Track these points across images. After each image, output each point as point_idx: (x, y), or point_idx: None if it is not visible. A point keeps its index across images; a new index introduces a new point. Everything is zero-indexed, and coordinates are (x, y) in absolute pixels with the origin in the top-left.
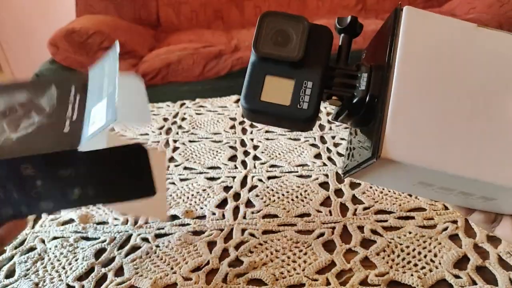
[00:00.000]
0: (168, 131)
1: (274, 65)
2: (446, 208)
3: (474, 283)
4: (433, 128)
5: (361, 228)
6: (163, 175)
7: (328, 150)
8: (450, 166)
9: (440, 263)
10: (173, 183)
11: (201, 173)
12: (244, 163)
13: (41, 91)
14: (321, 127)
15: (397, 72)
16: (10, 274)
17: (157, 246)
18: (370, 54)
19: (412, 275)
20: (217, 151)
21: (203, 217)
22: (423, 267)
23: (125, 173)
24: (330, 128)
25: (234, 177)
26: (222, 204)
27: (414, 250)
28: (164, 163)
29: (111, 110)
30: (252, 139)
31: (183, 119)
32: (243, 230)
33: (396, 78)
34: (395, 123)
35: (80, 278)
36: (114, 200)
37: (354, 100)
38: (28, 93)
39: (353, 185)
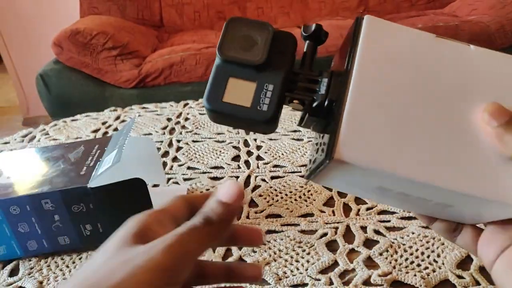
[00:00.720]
0: (172, 131)
1: (238, 68)
2: None
3: (478, 283)
4: (387, 132)
5: (364, 228)
6: (158, 163)
7: None
8: (400, 168)
9: (443, 263)
10: (177, 183)
11: (204, 172)
12: (247, 163)
13: (72, 149)
14: None
15: (354, 77)
16: (14, 272)
17: None
18: (335, 62)
19: (415, 275)
20: (220, 151)
21: None
22: (426, 267)
23: (129, 205)
24: None
25: (237, 177)
26: None
27: (417, 250)
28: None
29: (117, 155)
30: (255, 139)
31: (186, 119)
32: None
33: (353, 83)
34: (350, 126)
35: None
36: None
37: (314, 104)
38: (61, 150)
39: None
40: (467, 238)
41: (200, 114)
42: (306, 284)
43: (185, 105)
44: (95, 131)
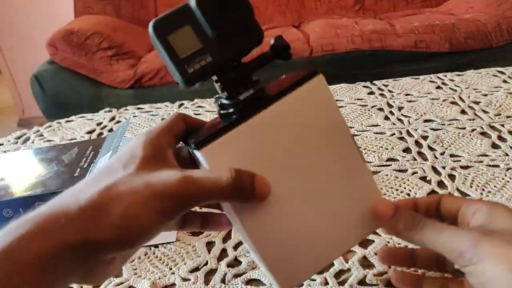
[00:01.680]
0: None
1: (199, 20)
2: None
3: None
4: (246, 162)
5: None
6: None
7: None
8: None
9: None
10: None
11: None
12: None
13: (66, 150)
14: None
15: (261, 116)
16: None
17: (156, 246)
18: (271, 86)
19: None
20: None
21: None
22: None
23: None
24: None
25: None
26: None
27: None
28: None
29: (112, 156)
30: None
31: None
32: None
33: (255, 119)
34: (226, 143)
35: None
36: None
37: (227, 102)
38: (55, 151)
39: None
40: None
41: (195, 114)
42: (302, 285)
43: (181, 105)
44: (90, 132)
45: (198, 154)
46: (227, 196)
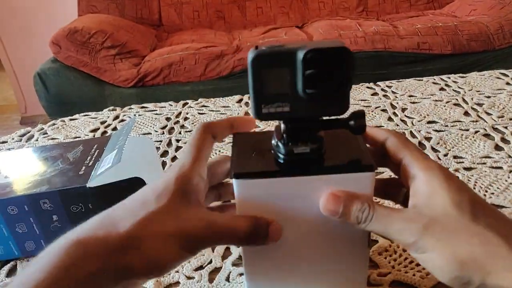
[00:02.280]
0: (171, 130)
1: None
2: None
3: None
4: (269, 208)
5: None
6: (158, 162)
7: None
8: None
9: None
10: None
11: None
12: None
13: (71, 148)
14: None
15: (302, 179)
16: (11, 273)
17: None
18: (330, 146)
19: (414, 275)
20: (219, 151)
21: None
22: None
23: None
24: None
25: None
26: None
27: None
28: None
29: (117, 156)
30: None
31: (185, 118)
32: None
33: (298, 180)
34: (262, 186)
35: None
36: None
37: (282, 147)
38: (60, 149)
39: None
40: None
41: (199, 113)
42: None
43: (184, 104)
44: (94, 130)
45: (235, 182)
46: (243, 243)
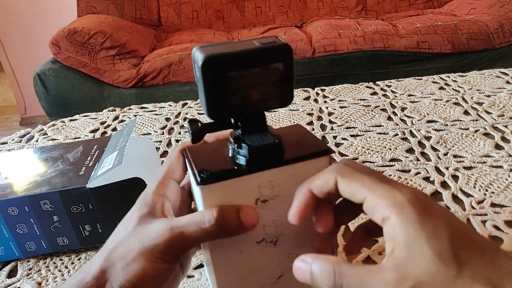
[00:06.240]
0: (171, 130)
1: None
2: (447, 208)
3: None
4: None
5: None
6: (157, 162)
7: None
8: None
9: None
10: None
11: None
12: None
13: (71, 149)
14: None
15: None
16: (12, 273)
17: None
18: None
19: None
20: None
21: None
22: None
23: (128, 205)
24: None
25: None
26: None
27: None
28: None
29: (118, 158)
30: None
31: (185, 119)
32: None
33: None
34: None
35: None
36: None
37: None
38: (60, 150)
39: None
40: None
41: (199, 114)
42: None
43: (184, 104)
44: (94, 131)
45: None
46: (214, 236)
